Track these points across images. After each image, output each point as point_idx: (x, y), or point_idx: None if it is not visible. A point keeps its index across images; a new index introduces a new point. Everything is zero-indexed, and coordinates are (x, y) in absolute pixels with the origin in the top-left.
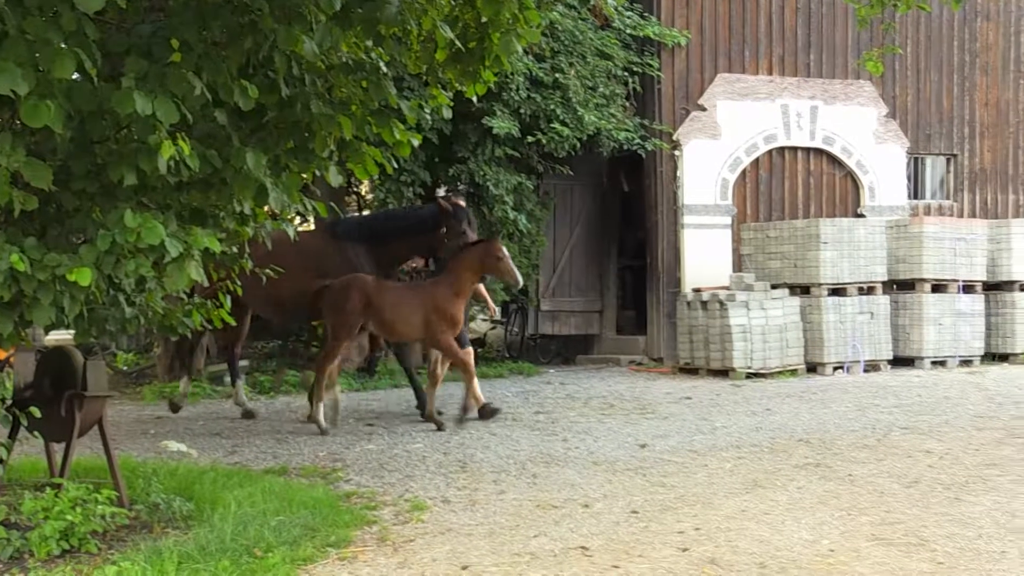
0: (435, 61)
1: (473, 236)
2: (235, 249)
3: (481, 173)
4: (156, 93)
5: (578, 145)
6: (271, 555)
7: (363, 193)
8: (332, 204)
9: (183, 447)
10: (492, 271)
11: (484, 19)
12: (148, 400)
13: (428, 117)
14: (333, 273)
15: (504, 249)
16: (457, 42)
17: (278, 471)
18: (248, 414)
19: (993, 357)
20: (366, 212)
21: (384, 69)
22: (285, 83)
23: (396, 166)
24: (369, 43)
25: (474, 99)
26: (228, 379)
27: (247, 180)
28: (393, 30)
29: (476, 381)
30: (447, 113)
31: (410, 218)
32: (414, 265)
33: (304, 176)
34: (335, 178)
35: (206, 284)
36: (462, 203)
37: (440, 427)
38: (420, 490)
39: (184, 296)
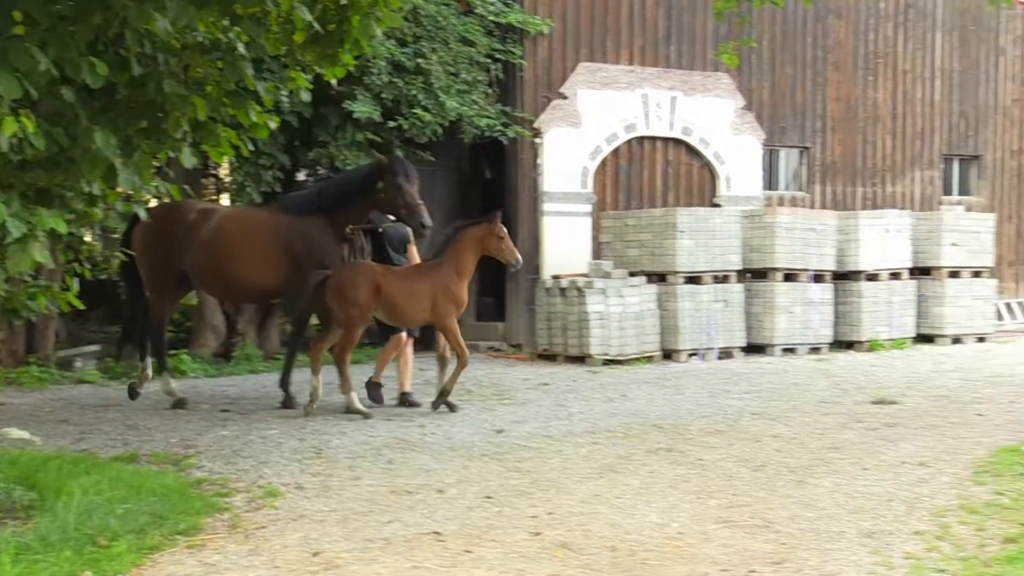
0: (294, 43)
1: (411, 190)
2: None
3: (342, 157)
4: None
5: (440, 131)
6: (116, 544)
7: (221, 176)
8: (186, 187)
9: (25, 434)
10: (493, 251)
11: (343, 1)
12: None
13: (286, 99)
14: (293, 250)
15: (504, 228)
16: (316, 24)
17: (127, 458)
18: (179, 403)
19: (841, 345)
20: (312, 183)
21: (242, 50)
22: (137, 61)
23: (253, 148)
24: (226, 23)
25: (334, 82)
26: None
27: (96, 160)
28: (251, 10)
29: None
30: (306, 96)
31: (357, 181)
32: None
33: (157, 157)
34: (189, 159)
35: (52, 266)
36: (399, 155)
37: (452, 408)
38: (274, 476)
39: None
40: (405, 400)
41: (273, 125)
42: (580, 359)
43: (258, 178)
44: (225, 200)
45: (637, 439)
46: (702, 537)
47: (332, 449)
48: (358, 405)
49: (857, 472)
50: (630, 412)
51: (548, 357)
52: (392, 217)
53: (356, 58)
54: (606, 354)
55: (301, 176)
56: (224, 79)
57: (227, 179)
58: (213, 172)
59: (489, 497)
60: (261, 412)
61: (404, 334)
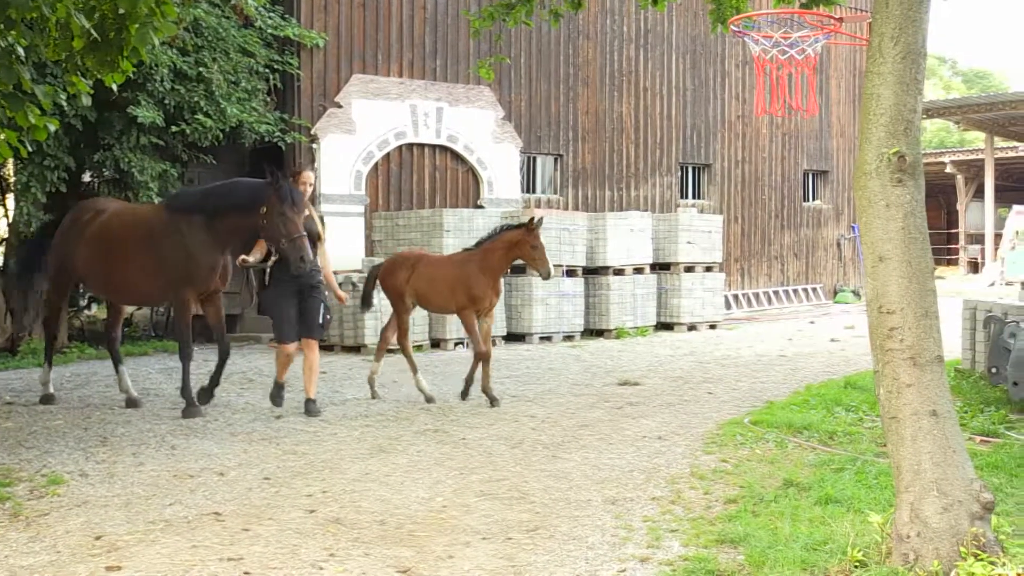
0: (73, 49)
1: (296, 220)
2: None
3: (127, 160)
4: None
5: (221, 136)
6: None
7: (6, 176)
8: None
9: None
10: (525, 257)
11: (121, 10)
12: None
13: (64, 103)
14: (166, 249)
15: (541, 238)
16: (94, 32)
17: None
18: (131, 403)
19: (592, 332)
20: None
21: (21, 53)
22: None
23: (35, 150)
24: (1, 27)
25: (115, 88)
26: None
27: None
28: (26, 15)
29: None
30: (87, 100)
31: (243, 195)
32: (250, 259)
33: None
34: None
35: None
36: (305, 177)
37: (494, 402)
38: (58, 465)
39: None
40: (308, 408)
41: (52, 127)
42: (356, 349)
43: (43, 178)
44: (10, 201)
45: (406, 421)
46: (464, 509)
47: (117, 437)
48: (424, 385)
49: (603, 447)
50: (400, 397)
51: (326, 347)
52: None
53: (136, 65)
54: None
55: (87, 178)
56: (1, 82)
57: (12, 179)
58: None
59: (267, 478)
60: (46, 404)
61: (292, 345)
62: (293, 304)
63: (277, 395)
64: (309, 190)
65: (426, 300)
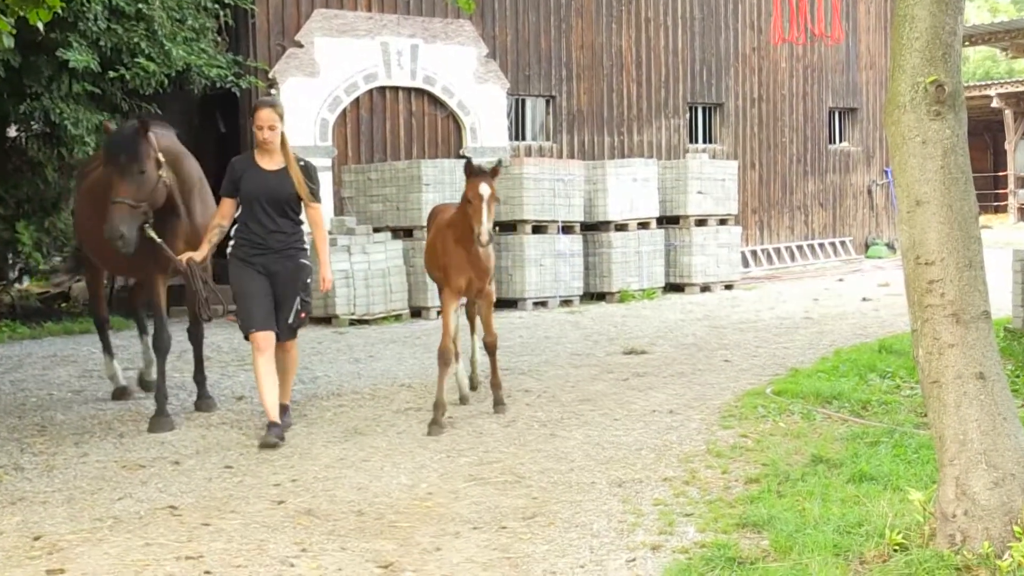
0: None
1: (115, 182)
2: None
3: (58, 111)
4: None
5: (166, 82)
6: None
7: None
8: None
9: None
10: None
11: None
12: None
13: None
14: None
15: (485, 188)
16: None
17: None
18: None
19: (592, 296)
20: None
21: None
22: None
23: None
24: None
25: (41, 27)
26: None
27: None
28: None
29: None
30: (9, 41)
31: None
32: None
33: None
34: None
35: None
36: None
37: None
38: None
39: None
40: (266, 437)
41: None
42: (326, 320)
43: None
44: None
45: (385, 400)
46: (452, 496)
47: (56, 426)
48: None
49: (608, 423)
50: (378, 373)
51: None
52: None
53: (66, 0)
54: (352, 314)
55: (12, 132)
56: None
57: None
58: None
59: (229, 467)
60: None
61: (263, 333)
62: (260, 281)
63: (270, 433)
64: (271, 134)
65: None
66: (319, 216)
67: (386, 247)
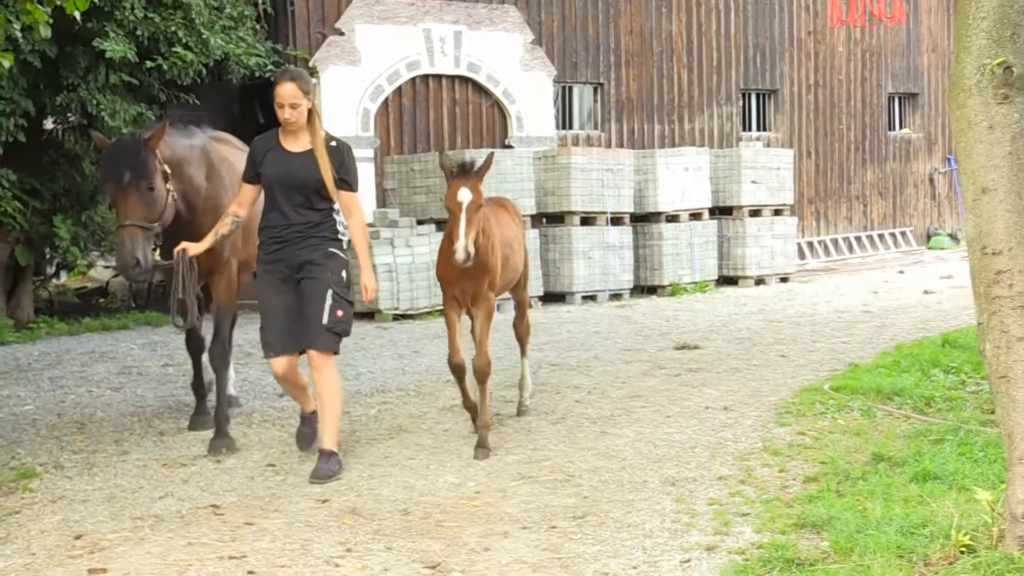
0: None
1: (116, 198)
2: None
3: (95, 102)
4: None
5: (204, 72)
6: None
7: None
8: None
9: None
10: None
11: None
12: None
13: (19, 35)
14: None
15: (465, 194)
16: None
17: None
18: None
19: (642, 290)
20: None
21: None
22: None
23: None
24: None
25: (78, 16)
26: None
27: None
28: None
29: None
30: (45, 32)
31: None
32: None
33: None
34: None
35: None
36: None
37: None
38: (29, 456)
39: None
40: (317, 470)
41: (7, 63)
42: (369, 315)
43: None
44: None
45: (431, 396)
46: (500, 495)
47: (96, 423)
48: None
49: (660, 420)
50: (423, 369)
51: None
52: None
53: None
54: (396, 308)
55: (49, 124)
56: None
57: None
58: None
59: (272, 465)
60: (13, 387)
61: (280, 360)
62: (283, 293)
63: (302, 433)
64: (293, 113)
65: None
66: (355, 206)
67: (430, 240)
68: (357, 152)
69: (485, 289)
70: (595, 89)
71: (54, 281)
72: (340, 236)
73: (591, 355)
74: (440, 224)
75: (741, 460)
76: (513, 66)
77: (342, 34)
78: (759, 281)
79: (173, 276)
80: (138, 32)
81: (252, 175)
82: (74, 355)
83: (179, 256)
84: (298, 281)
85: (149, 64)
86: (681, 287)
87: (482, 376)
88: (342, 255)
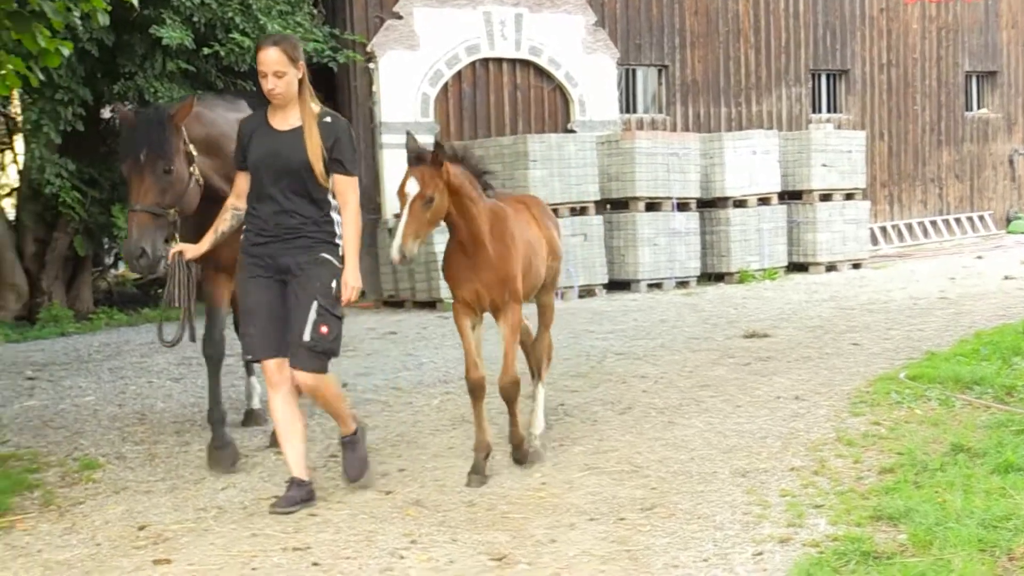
0: None
1: (131, 180)
2: None
3: (151, 89)
4: None
5: None
6: None
7: (12, 114)
8: None
9: None
10: None
11: None
12: None
13: (78, 22)
14: None
15: (412, 185)
16: None
17: None
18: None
19: (709, 277)
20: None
21: None
22: None
23: (46, 80)
24: None
25: (135, 3)
26: None
27: None
28: None
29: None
30: (104, 20)
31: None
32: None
33: None
34: None
35: None
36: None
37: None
38: (91, 447)
39: None
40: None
41: (66, 51)
42: (430, 304)
43: (56, 115)
44: (19, 144)
45: (493, 386)
46: (567, 486)
47: (157, 414)
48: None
49: (729, 410)
50: (485, 357)
51: (395, 304)
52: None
53: None
54: None
55: (107, 113)
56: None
57: (20, 118)
58: (2, 111)
59: (335, 456)
60: (74, 378)
61: (270, 363)
62: (267, 290)
63: (283, 499)
64: (278, 83)
65: None
66: (349, 193)
67: None
68: (418, 138)
69: (506, 298)
70: (659, 71)
71: (113, 272)
72: (338, 240)
73: (657, 344)
74: None
75: (814, 451)
76: (575, 49)
77: (400, 18)
78: (830, 267)
79: (167, 283)
80: (195, 19)
81: (241, 160)
82: (133, 345)
83: (175, 260)
84: (283, 281)
85: (206, 51)
86: (749, 274)
87: (510, 396)
88: (336, 262)
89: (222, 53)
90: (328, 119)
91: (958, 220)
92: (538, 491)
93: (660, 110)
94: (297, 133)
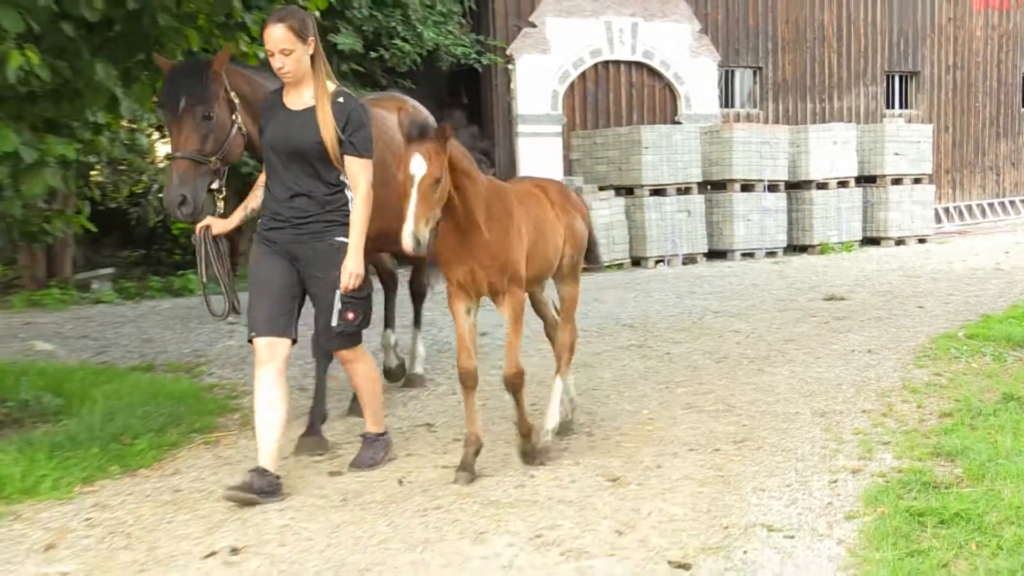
0: None
1: (172, 130)
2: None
3: None
4: None
5: (419, 60)
6: (138, 442)
7: None
8: None
9: (50, 347)
10: None
11: None
12: (17, 308)
13: None
14: None
15: (418, 164)
16: None
17: (145, 368)
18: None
19: (794, 249)
20: None
21: None
22: None
23: None
24: None
25: (317, 15)
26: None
27: (98, 91)
28: None
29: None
30: None
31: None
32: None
33: (155, 88)
34: None
35: (65, 191)
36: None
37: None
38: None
39: (44, 204)
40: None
41: (262, 55)
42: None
43: None
44: None
45: (610, 337)
46: (671, 421)
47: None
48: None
49: (810, 360)
50: (603, 314)
51: None
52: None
53: None
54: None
55: None
56: (214, 12)
57: None
58: None
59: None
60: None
61: (261, 340)
62: (278, 270)
63: (243, 483)
64: (286, 61)
65: None
66: (361, 176)
67: (610, 204)
68: (547, 128)
69: (505, 282)
70: (754, 72)
71: None
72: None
73: (749, 304)
74: (618, 190)
75: (883, 396)
76: (682, 53)
77: (535, 26)
78: (899, 242)
79: (196, 259)
80: (364, 28)
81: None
82: None
83: (202, 234)
84: (297, 266)
85: (373, 55)
86: (829, 246)
87: (514, 387)
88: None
89: (386, 56)
90: (341, 99)
91: (1012, 203)
92: (646, 425)
93: (755, 105)
94: (309, 113)
